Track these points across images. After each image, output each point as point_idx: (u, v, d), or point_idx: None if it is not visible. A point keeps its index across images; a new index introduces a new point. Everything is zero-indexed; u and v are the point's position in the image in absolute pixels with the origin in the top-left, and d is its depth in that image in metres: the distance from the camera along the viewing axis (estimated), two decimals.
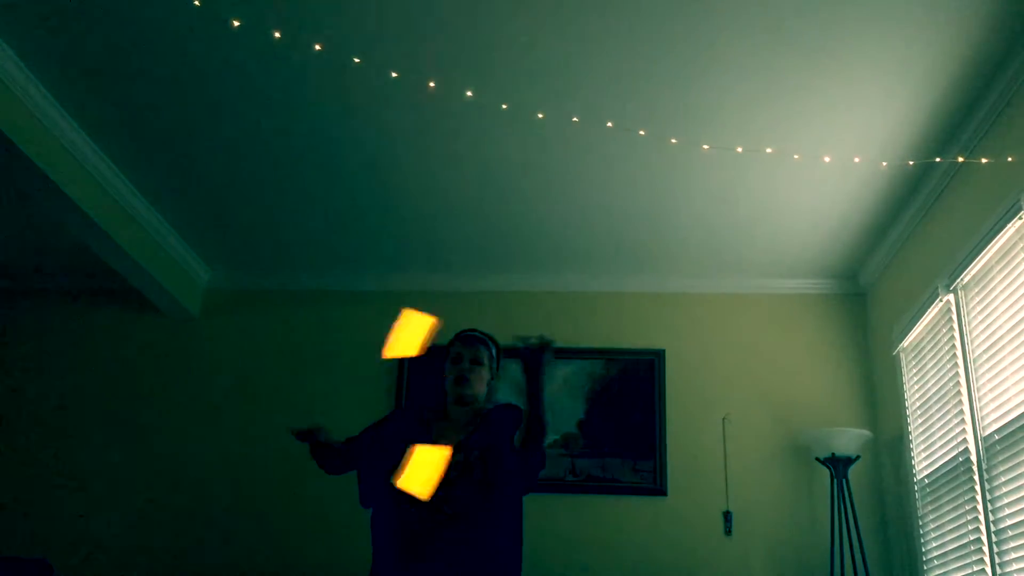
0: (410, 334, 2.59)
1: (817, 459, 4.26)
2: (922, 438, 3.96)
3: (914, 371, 4.09)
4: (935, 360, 3.83)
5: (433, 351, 2.69)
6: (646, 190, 4.02)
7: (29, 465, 4.69)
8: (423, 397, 4.62)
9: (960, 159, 3.48)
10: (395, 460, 2.58)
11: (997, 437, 3.23)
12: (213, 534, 4.52)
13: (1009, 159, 3.13)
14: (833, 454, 4.16)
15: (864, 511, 4.32)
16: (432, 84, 3.27)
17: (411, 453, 2.48)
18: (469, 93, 3.31)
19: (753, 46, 3.10)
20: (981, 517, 3.33)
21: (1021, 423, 3.04)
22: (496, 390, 3.00)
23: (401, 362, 4.75)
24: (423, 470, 2.47)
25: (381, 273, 4.92)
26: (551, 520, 4.43)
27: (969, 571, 3.43)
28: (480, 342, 2.93)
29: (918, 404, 4.02)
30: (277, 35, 3.03)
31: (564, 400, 4.68)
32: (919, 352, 4.03)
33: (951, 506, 3.62)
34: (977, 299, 3.46)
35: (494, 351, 2.96)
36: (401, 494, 2.61)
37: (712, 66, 3.20)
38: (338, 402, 4.73)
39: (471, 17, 3.01)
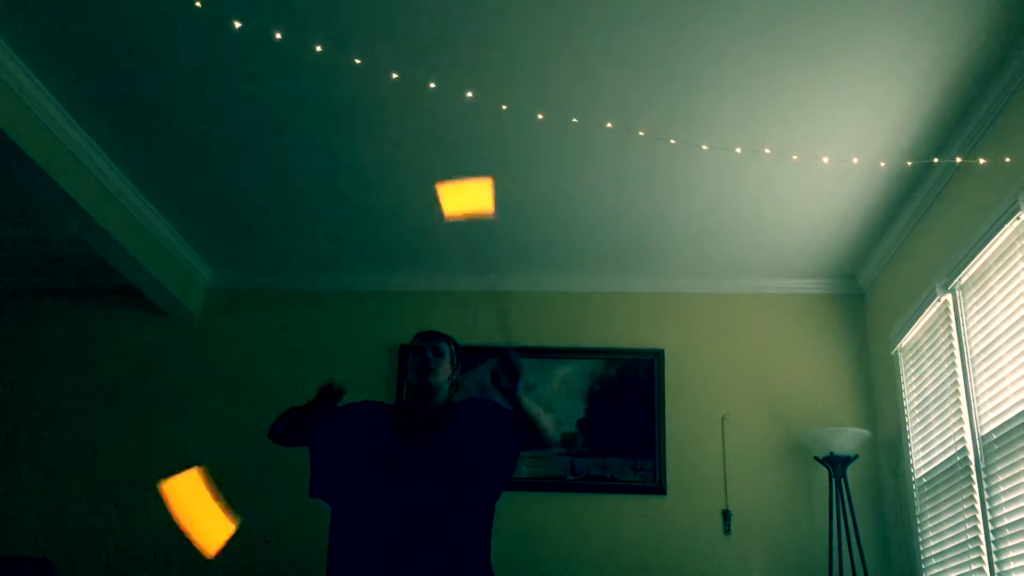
0: (470, 194, 2.61)
1: (816, 458, 4.27)
2: (920, 437, 3.97)
3: (912, 371, 4.10)
4: (933, 360, 3.84)
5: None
6: (646, 190, 4.03)
7: (29, 464, 4.70)
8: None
9: (958, 160, 3.49)
10: (356, 457, 2.63)
11: (995, 436, 3.24)
12: None
13: (1007, 160, 3.15)
14: (832, 453, 4.17)
15: (863, 510, 4.33)
16: (432, 84, 3.28)
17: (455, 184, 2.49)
18: (469, 93, 3.32)
19: (752, 47, 3.11)
20: (979, 516, 3.35)
21: (1018, 422, 3.06)
22: (460, 389, 3.01)
23: (401, 362, 4.75)
24: (466, 194, 2.51)
25: (381, 273, 4.93)
26: (551, 519, 4.45)
27: (967, 570, 3.44)
28: (441, 337, 2.96)
29: (916, 403, 4.04)
30: (278, 36, 3.05)
31: (564, 400, 4.69)
32: (917, 352, 4.05)
33: (949, 505, 3.63)
34: (975, 299, 3.48)
35: (454, 348, 2.97)
36: (377, 496, 2.61)
37: (711, 67, 3.22)
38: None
39: (472, 18, 3.02)
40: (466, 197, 2.59)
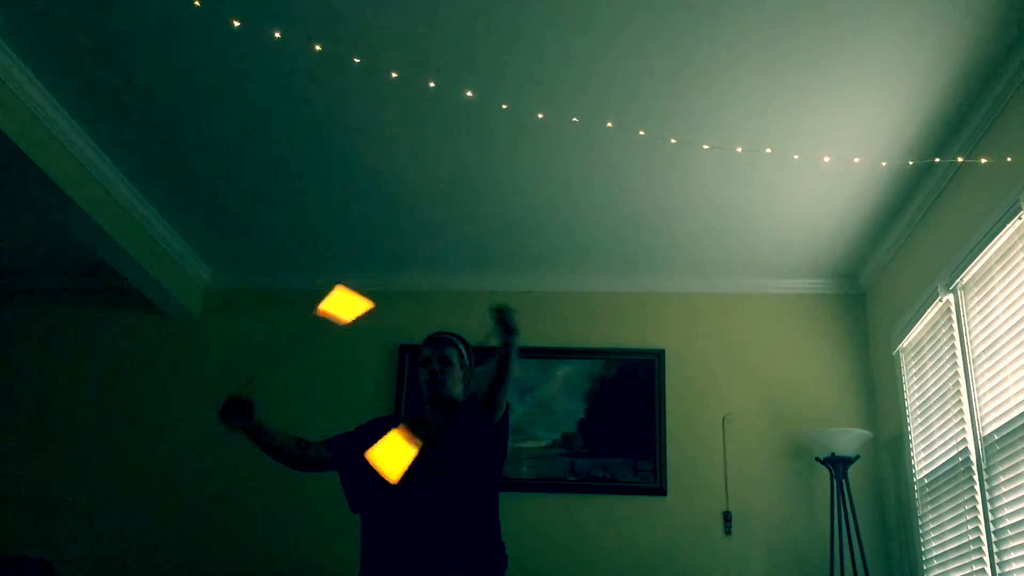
0: (348, 305, 2.71)
1: (817, 459, 4.26)
2: (922, 438, 3.96)
3: (914, 371, 4.09)
4: (935, 360, 3.83)
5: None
6: (646, 190, 4.02)
7: (29, 464, 4.70)
8: (411, 405, 4.64)
9: (959, 159, 3.48)
10: (370, 469, 2.59)
11: (996, 437, 3.23)
12: (213, 534, 4.52)
13: (1008, 159, 3.14)
14: (833, 454, 4.16)
15: (864, 511, 4.32)
16: (432, 84, 3.27)
17: (389, 435, 2.48)
18: (469, 93, 3.32)
19: (753, 46, 3.10)
20: (980, 517, 3.34)
21: (1020, 423, 3.04)
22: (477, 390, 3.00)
23: (401, 362, 4.75)
24: (395, 452, 2.47)
25: (381, 273, 4.93)
26: (551, 520, 4.44)
27: (968, 571, 3.43)
28: (447, 342, 2.90)
29: (918, 404, 4.02)
30: (277, 35, 3.04)
31: (564, 400, 4.69)
32: (919, 352, 4.04)
33: (951, 506, 3.62)
34: (977, 299, 3.47)
35: (463, 349, 2.93)
36: (384, 500, 2.65)
37: (712, 66, 3.21)
38: (338, 402, 4.73)
39: (471, 17, 3.01)
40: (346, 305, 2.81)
